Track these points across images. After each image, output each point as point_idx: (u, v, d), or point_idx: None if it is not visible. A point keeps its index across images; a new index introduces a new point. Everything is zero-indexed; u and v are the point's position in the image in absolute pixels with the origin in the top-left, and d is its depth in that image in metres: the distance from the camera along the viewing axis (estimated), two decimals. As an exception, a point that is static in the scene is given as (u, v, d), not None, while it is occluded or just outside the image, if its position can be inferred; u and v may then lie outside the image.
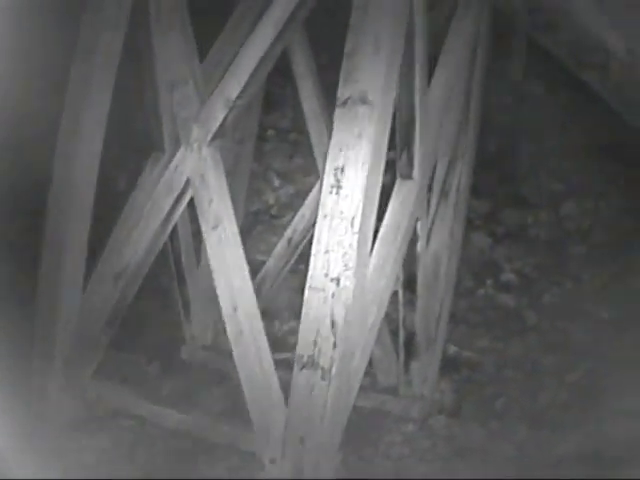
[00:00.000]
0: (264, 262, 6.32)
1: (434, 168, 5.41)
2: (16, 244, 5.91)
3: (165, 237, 5.23)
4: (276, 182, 7.48)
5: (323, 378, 4.01)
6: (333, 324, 3.99)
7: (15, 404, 4.65)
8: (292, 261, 6.15)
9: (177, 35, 5.13)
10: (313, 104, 6.01)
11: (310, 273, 4.07)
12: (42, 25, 5.67)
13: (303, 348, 4.06)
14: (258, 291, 5.24)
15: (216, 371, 5.84)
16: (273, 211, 7.40)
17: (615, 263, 6.60)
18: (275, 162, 7.51)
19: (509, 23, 5.78)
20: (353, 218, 3.99)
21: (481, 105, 5.86)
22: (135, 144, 5.82)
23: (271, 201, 7.44)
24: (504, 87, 7.10)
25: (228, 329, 4.71)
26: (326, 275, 4.01)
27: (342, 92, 4.12)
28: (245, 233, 6.38)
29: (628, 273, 6.49)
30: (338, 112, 4.12)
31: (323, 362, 4.01)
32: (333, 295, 3.99)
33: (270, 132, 7.53)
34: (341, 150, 4.04)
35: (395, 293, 5.13)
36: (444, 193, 5.55)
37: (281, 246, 6.21)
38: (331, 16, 5.09)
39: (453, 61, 5.32)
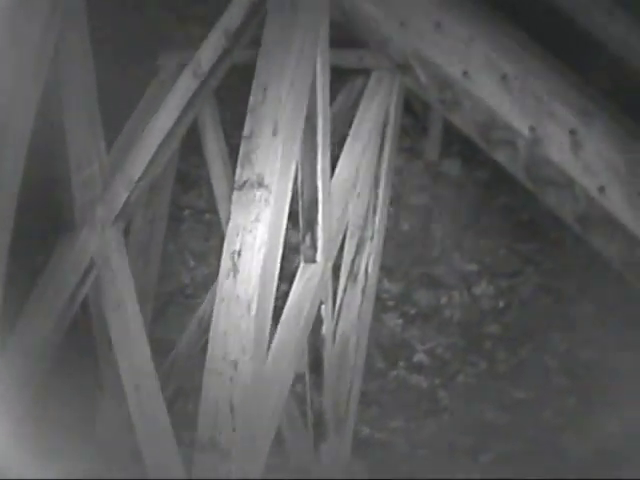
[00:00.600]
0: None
1: (342, 249, 5.41)
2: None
3: (71, 316, 5.15)
4: (191, 262, 7.44)
5: (223, 460, 3.93)
6: (232, 407, 3.92)
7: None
8: (203, 341, 6.10)
9: (83, 116, 5.14)
10: (223, 185, 6.02)
11: (208, 356, 4.03)
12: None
13: (203, 430, 4.00)
14: (170, 370, 5.20)
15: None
16: (188, 291, 7.36)
17: (531, 342, 6.63)
18: (191, 242, 7.48)
19: (423, 101, 5.81)
20: (250, 302, 3.95)
21: (392, 185, 5.88)
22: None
23: (186, 281, 7.40)
24: (419, 167, 7.15)
25: (130, 408, 4.66)
26: (224, 358, 3.95)
27: (239, 175, 4.13)
28: (159, 313, 6.35)
29: (544, 352, 6.52)
30: (235, 195, 4.13)
31: (223, 444, 3.93)
32: (231, 379, 3.93)
33: (186, 212, 7.51)
34: (238, 234, 4.03)
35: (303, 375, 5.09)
36: (352, 275, 5.53)
37: (193, 326, 6.15)
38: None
39: (361, 142, 5.33)
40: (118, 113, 5.78)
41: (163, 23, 6.26)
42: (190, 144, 5.88)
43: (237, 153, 4.29)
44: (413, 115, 6.66)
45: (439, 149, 7.13)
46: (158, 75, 6.25)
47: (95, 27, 5.41)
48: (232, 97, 5.50)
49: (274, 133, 4.12)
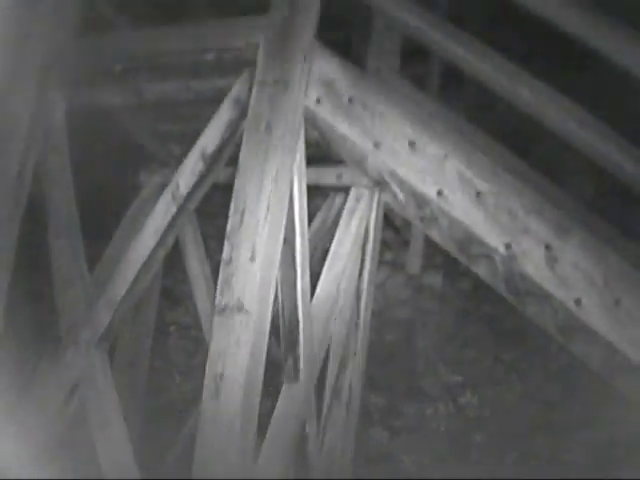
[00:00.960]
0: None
1: (325, 366, 5.40)
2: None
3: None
4: (178, 378, 7.42)
5: None
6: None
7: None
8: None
9: (65, 236, 5.21)
10: (206, 303, 6.03)
11: (193, 476, 4.07)
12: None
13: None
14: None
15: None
16: (177, 407, 7.32)
17: (516, 450, 6.59)
18: (177, 358, 7.47)
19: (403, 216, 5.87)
20: (233, 423, 3.98)
21: (374, 299, 5.89)
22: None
23: (174, 396, 7.37)
24: (401, 280, 7.19)
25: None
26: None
27: (219, 300, 4.23)
28: (147, 429, 6.30)
29: (529, 459, 6.49)
30: (216, 320, 4.22)
31: None
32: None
33: (172, 328, 7.52)
34: (219, 357, 4.07)
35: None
36: (336, 391, 5.50)
37: (181, 440, 6.11)
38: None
39: (341, 259, 5.35)
40: (100, 231, 5.83)
41: (143, 141, 6.34)
42: (174, 260, 5.90)
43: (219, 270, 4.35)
44: (394, 228, 6.72)
45: (421, 262, 7.17)
46: (140, 193, 6.30)
47: (75, 146, 5.51)
48: (213, 212, 5.56)
49: (252, 258, 4.24)
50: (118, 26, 6.18)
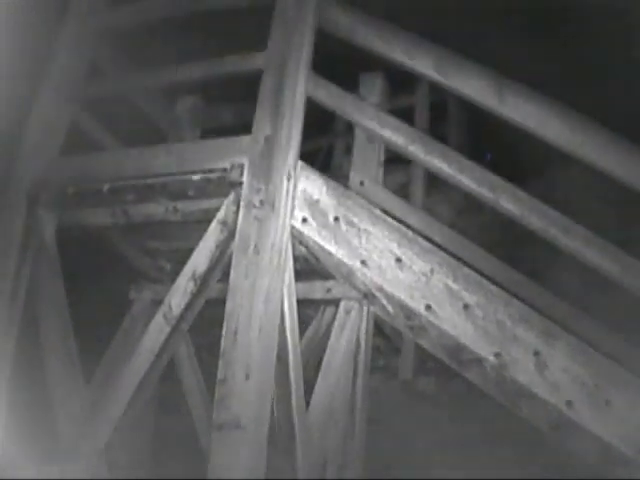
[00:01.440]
0: None
1: (323, 478, 5.40)
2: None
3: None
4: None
5: None
6: None
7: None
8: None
9: (60, 351, 5.29)
10: (202, 416, 6.05)
11: None
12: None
13: None
14: None
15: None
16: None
17: None
18: (175, 467, 7.43)
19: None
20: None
21: (368, 407, 5.91)
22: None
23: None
24: (394, 386, 7.20)
25: None
26: None
27: (216, 417, 4.25)
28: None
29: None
30: (214, 436, 4.23)
31: None
32: None
33: (169, 436, 7.50)
34: (219, 471, 4.15)
35: None
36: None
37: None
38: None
39: (334, 370, 5.42)
40: (93, 347, 5.85)
41: (132, 257, 6.40)
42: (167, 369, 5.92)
43: (214, 380, 4.40)
44: (384, 336, 6.76)
45: (413, 367, 7.21)
46: (131, 309, 6.35)
47: (67, 261, 5.58)
48: (205, 325, 5.60)
49: (247, 377, 4.27)
50: (105, 145, 6.31)
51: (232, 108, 7.73)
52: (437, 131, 9.21)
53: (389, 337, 6.87)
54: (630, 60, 6.95)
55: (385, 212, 5.72)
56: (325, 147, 10.30)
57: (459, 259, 5.47)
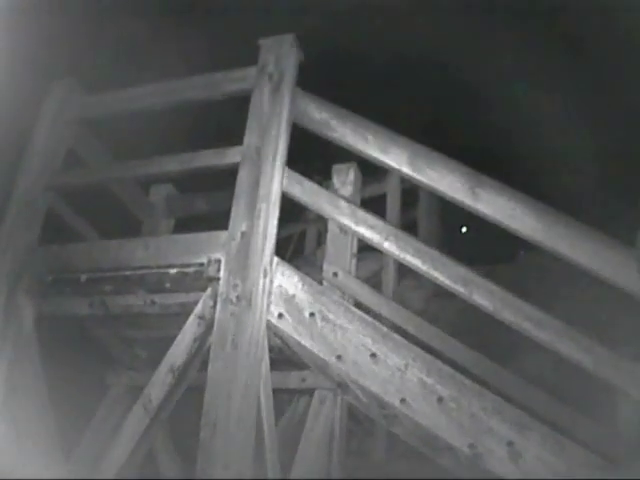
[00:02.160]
0: None
1: None
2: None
3: None
4: None
5: None
6: None
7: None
8: None
9: (40, 439, 5.29)
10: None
11: None
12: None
13: None
14: None
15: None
16: None
17: None
18: None
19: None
20: None
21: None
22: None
23: None
24: (367, 468, 7.20)
25: None
26: None
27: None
28: None
29: None
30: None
31: None
32: None
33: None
34: None
35: None
36: None
37: None
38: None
39: (309, 457, 5.49)
40: (69, 434, 5.84)
41: (109, 344, 6.41)
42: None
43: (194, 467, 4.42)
44: (358, 420, 6.78)
45: (385, 449, 7.22)
46: (107, 395, 6.36)
47: (44, 349, 5.59)
48: (184, 413, 5.60)
49: (225, 467, 4.31)
50: (85, 236, 6.35)
51: (206, 197, 7.79)
52: (408, 216, 9.37)
53: (362, 422, 6.89)
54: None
55: (358, 303, 5.83)
56: (297, 234, 10.41)
57: (431, 349, 5.58)
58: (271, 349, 4.88)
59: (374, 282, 7.40)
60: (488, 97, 11.93)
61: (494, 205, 4.51)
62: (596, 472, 4.12)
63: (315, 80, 5.22)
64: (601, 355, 4.31)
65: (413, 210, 9.90)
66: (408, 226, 9.01)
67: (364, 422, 6.93)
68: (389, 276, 8.11)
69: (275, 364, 4.98)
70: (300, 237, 10.70)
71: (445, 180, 4.63)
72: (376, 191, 8.57)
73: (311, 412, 5.61)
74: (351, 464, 6.47)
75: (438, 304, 8.44)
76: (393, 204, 8.62)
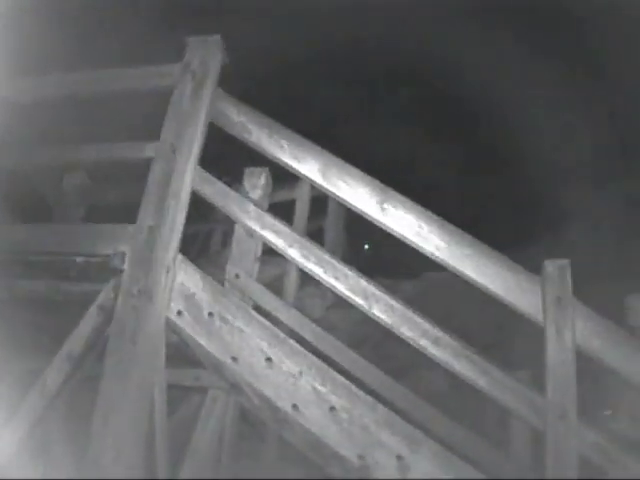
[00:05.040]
0: None
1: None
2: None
3: None
4: None
5: None
6: None
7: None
8: None
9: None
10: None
11: None
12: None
13: None
14: None
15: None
16: None
17: None
18: None
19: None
20: None
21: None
22: None
23: None
24: (258, 472, 7.09)
25: None
26: None
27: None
28: None
29: None
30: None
31: None
32: None
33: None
34: None
35: None
36: None
37: None
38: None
39: (199, 458, 5.48)
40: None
41: (12, 328, 6.24)
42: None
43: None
44: (250, 423, 6.68)
45: (276, 453, 7.12)
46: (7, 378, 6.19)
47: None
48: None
49: (115, 460, 4.24)
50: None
51: (119, 189, 7.65)
52: (316, 224, 9.31)
53: (255, 425, 6.81)
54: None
55: (258, 307, 5.75)
56: (204, 233, 10.31)
57: (328, 357, 5.51)
58: (168, 345, 4.76)
59: (276, 287, 7.30)
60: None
61: (401, 221, 4.45)
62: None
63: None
64: (496, 377, 4.26)
65: (321, 218, 9.84)
66: (314, 234, 8.93)
67: (257, 425, 6.82)
68: (291, 282, 8.04)
69: (171, 360, 4.86)
70: (207, 236, 10.61)
71: (355, 193, 4.56)
72: (286, 196, 8.50)
73: (203, 411, 5.53)
74: (241, 466, 6.38)
75: (338, 314, 8.40)
76: (301, 211, 8.55)
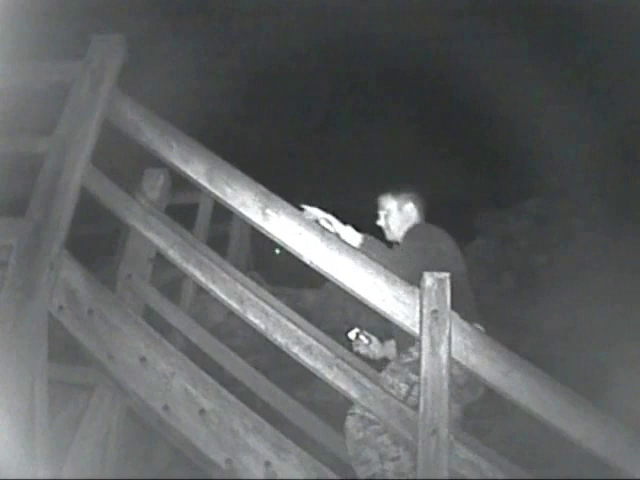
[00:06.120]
0: None
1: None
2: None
3: None
4: None
5: None
6: None
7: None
8: None
9: None
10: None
11: None
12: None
13: None
14: None
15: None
16: None
17: None
18: None
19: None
20: None
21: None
22: None
23: None
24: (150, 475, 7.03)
25: None
26: None
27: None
28: None
29: None
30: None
31: None
32: None
33: None
34: None
35: None
36: None
37: None
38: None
39: (83, 458, 5.35)
40: None
41: None
42: None
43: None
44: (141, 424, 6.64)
45: (169, 458, 7.08)
46: None
47: None
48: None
49: None
50: None
51: (24, 182, 7.55)
52: (221, 229, 9.25)
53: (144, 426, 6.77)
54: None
55: (148, 309, 5.71)
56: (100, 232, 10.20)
57: (214, 363, 5.50)
58: (56, 340, 4.71)
59: (174, 289, 7.27)
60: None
61: (281, 228, 4.43)
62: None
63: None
64: (368, 388, 4.22)
65: (226, 224, 9.77)
66: (219, 239, 8.87)
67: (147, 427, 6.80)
68: (189, 285, 7.98)
69: (59, 356, 4.82)
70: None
71: (239, 197, 4.52)
72: (188, 199, 8.43)
73: (89, 409, 5.44)
74: (132, 469, 6.32)
75: (239, 320, 8.36)
76: (203, 215, 8.46)
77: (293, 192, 5.05)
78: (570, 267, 10.81)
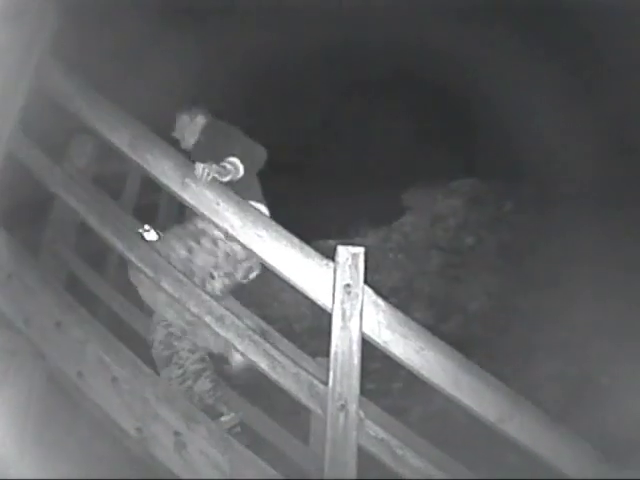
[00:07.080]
0: None
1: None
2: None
3: None
4: None
5: None
6: None
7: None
8: None
9: None
10: None
11: None
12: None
13: None
14: None
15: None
16: None
17: None
18: None
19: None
20: None
21: None
22: None
23: None
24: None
25: None
26: None
27: None
28: None
29: None
30: None
31: None
32: None
33: None
34: None
35: None
36: None
37: None
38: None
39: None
40: None
41: None
42: None
43: None
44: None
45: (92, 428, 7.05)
46: None
47: None
48: None
49: None
50: None
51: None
52: (151, 199, 9.17)
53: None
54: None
55: (75, 277, 5.70)
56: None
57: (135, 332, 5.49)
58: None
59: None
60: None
61: (200, 197, 4.43)
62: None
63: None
64: (279, 360, 4.20)
65: (157, 193, 9.69)
66: (149, 209, 8.78)
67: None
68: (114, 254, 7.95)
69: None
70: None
71: (159, 166, 4.51)
72: (117, 169, 8.34)
73: (10, 374, 5.40)
74: (52, 436, 6.29)
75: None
76: (132, 184, 8.37)
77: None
78: (498, 249, 10.87)
